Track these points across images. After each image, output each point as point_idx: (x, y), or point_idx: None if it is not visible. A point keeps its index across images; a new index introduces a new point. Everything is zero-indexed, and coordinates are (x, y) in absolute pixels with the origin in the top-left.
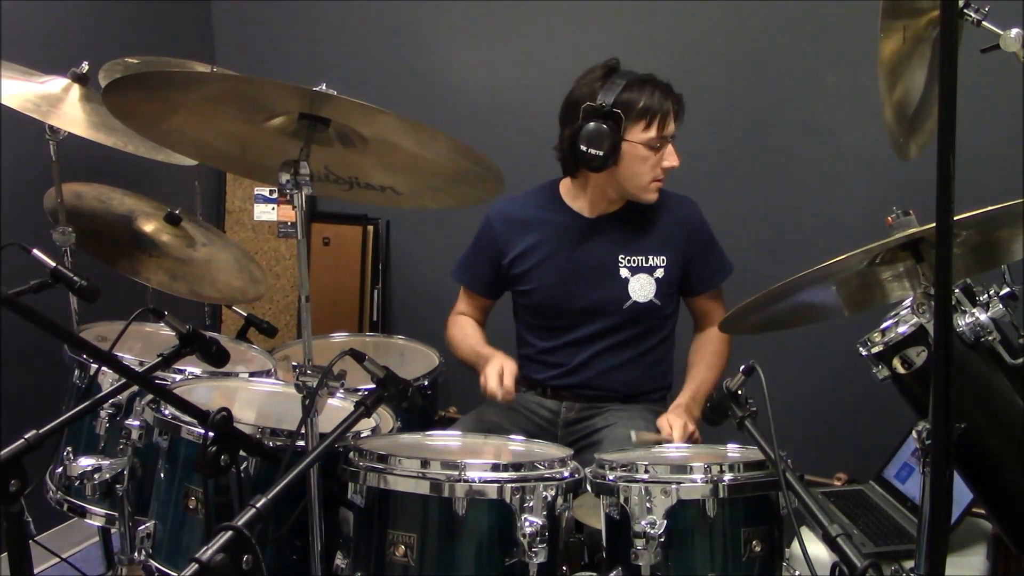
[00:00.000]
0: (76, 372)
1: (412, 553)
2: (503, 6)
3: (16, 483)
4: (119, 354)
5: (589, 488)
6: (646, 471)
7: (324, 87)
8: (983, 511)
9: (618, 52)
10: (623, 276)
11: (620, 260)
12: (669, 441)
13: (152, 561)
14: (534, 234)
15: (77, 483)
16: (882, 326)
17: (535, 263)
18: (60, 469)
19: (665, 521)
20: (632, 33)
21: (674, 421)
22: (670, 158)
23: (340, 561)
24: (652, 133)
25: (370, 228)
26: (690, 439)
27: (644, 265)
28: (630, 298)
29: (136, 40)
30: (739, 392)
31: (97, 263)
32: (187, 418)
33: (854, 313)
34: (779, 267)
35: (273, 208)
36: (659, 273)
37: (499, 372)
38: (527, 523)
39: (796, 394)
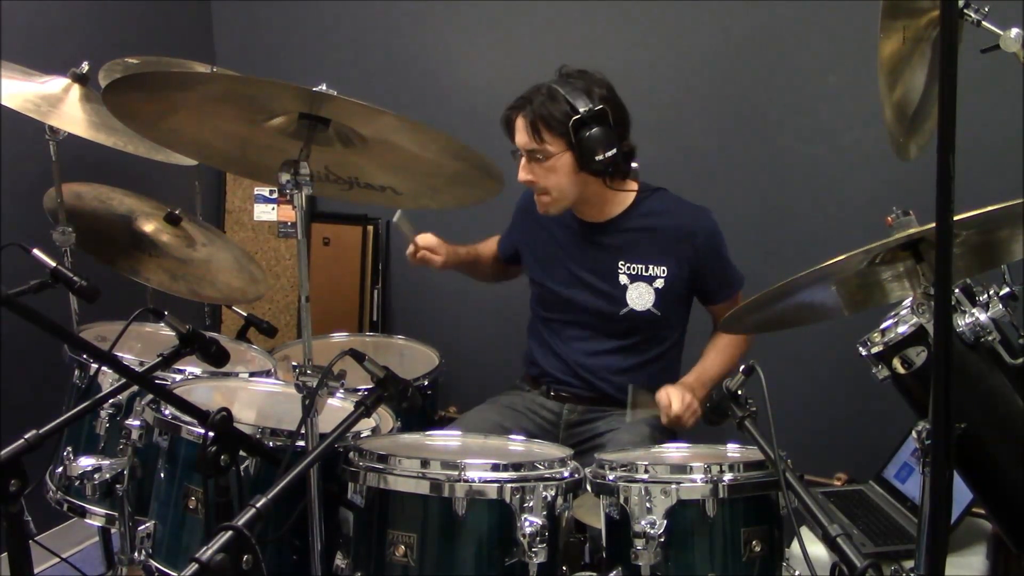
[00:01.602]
0: (76, 372)
1: (412, 553)
2: (504, 6)
3: (16, 483)
4: (119, 354)
5: (589, 488)
6: (646, 471)
7: (324, 87)
8: (983, 511)
9: (618, 53)
10: (622, 283)
11: (620, 267)
12: (667, 414)
13: (152, 561)
14: (543, 231)
15: (77, 483)
16: (882, 326)
17: (539, 259)
18: (60, 469)
19: (665, 521)
20: (632, 34)
21: (673, 393)
22: (519, 172)
23: (340, 561)
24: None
25: (370, 228)
26: (691, 412)
27: (643, 274)
28: (627, 305)
29: (136, 40)
30: (739, 392)
31: (97, 263)
32: (187, 418)
33: (854, 313)
34: (779, 267)
35: (273, 208)
36: (659, 283)
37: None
38: (527, 523)
39: (796, 394)
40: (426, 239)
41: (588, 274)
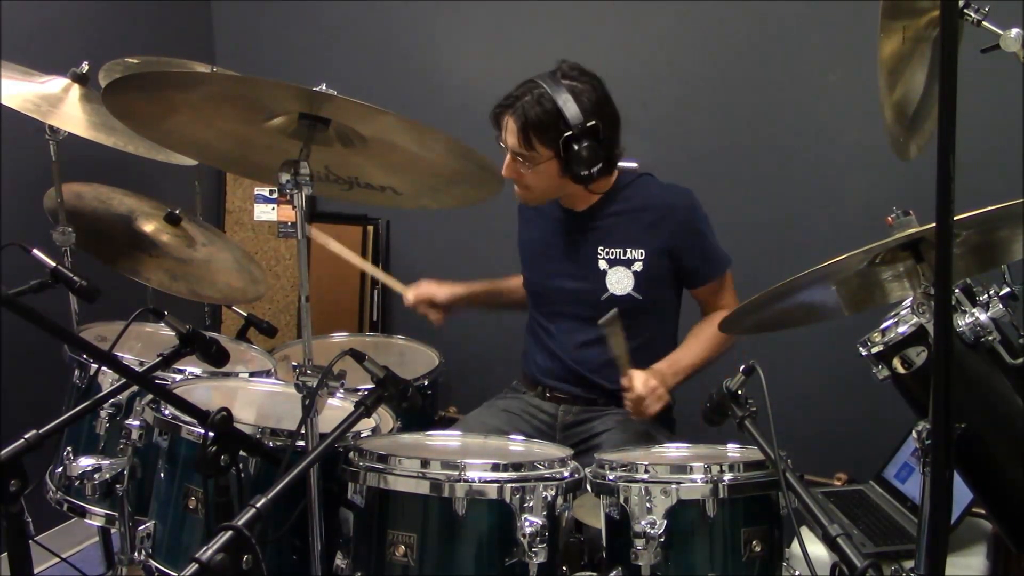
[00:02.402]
0: (76, 372)
1: (412, 553)
2: (504, 6)
3: (16, 483)
4: (119, 354)
5: (589, 488)
6: (646, 471)
7: (324, 87)
8: (983, 511)
9: (618, 53)
10: (601, 268)
11: (599, 252)
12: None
13: (152, 561)
14: (534, 222)
15: (77, 483)
16: (882, 326)
17: (529, 249)
18: (60, 469)
19: (665, 521)
20: (632, 33)
21: (637, 375)
22: (503, 167)
23: (340, 561)
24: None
25: (370, 228)
26: (655, 397)
27: (622, 258)
28: (607, 290)
29: (136, 40)
30: (739, 392)
31: (97, 263)
32: (187, 418)
33: (854, 313)
34: (779, 267)
35: (273, 208)
36: (637, 267)
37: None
38: (527, 523)
39: (796, 394)
40: (421, 291)
41: (569, 262)
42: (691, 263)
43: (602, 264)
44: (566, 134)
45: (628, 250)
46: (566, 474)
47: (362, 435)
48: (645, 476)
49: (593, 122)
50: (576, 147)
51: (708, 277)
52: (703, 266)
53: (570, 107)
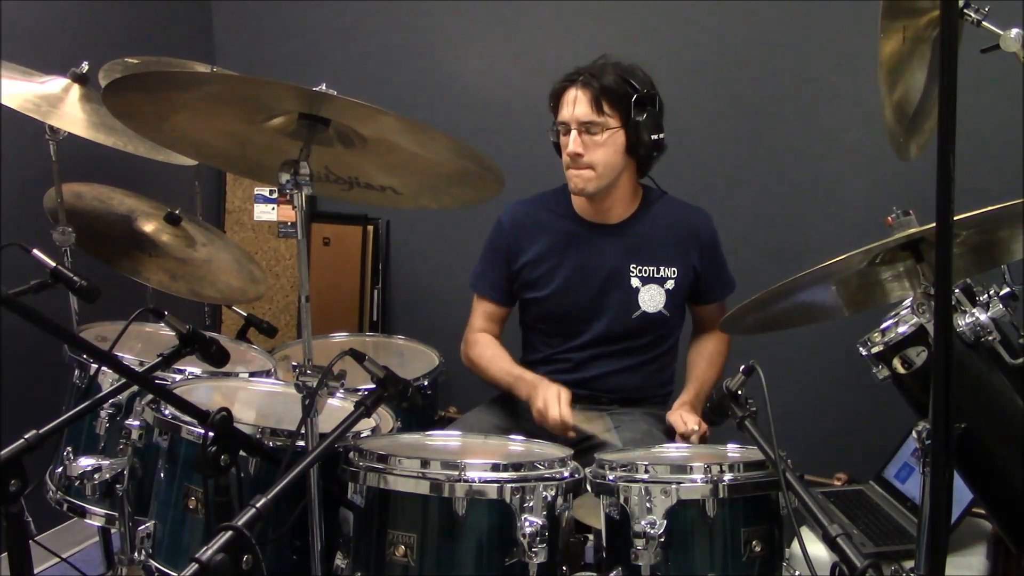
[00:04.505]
0: (76, 372)
1: (412, 553)
2: (504, 6)
3: (16, 483)
4: (119, 354)
5: (589, 488)
6: (646, 471)
7: (324, 87)
8: (983, 511)
9: (618, 52)
10: (634, 285)
11: (631, 269)
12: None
13: (152, 561)
14: (544, 240)
15: (77, 483)
16: (882, 326)
17: (546, 270)
18: (60, 469)
19: (665, 521)
20: (632, 33)
21: (688, 417)
22: (568, 144)
23: (340, 561)
24: (556, 118)
25: (370, 228)
26: (702, 437)
27: (655, 276)
28: (639, 308)
29: (136, 40)
30: (739, 392)
31: (97, 263)
32: (187, 418)
33: (854, 313)
34: (779, 267)
35: (273, 208)
36: (669, 284)
37: (558, 396)
38: (527, 523)
39: (796, 394)
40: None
41: (597, 278)
42: (709, 283)
43: (634, 281)
44: (636, 96)
45: (662, 268)
46: (566, 474)
47: (362, 435)
48: (645, 476)
49: (654, 92)
50: (643, 113)
51: (719, 297)
52: (717, 286)
53: (636, 74)
